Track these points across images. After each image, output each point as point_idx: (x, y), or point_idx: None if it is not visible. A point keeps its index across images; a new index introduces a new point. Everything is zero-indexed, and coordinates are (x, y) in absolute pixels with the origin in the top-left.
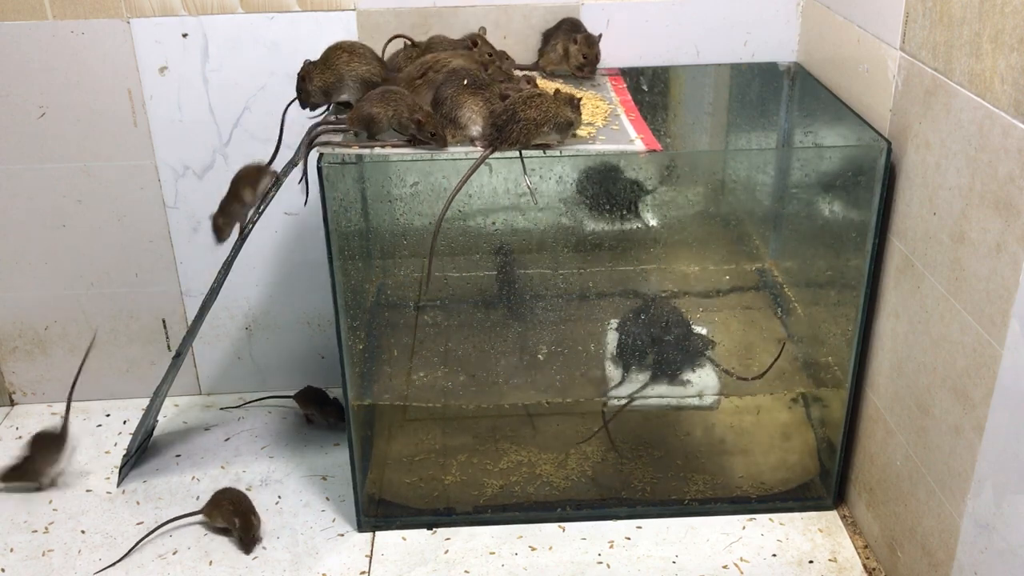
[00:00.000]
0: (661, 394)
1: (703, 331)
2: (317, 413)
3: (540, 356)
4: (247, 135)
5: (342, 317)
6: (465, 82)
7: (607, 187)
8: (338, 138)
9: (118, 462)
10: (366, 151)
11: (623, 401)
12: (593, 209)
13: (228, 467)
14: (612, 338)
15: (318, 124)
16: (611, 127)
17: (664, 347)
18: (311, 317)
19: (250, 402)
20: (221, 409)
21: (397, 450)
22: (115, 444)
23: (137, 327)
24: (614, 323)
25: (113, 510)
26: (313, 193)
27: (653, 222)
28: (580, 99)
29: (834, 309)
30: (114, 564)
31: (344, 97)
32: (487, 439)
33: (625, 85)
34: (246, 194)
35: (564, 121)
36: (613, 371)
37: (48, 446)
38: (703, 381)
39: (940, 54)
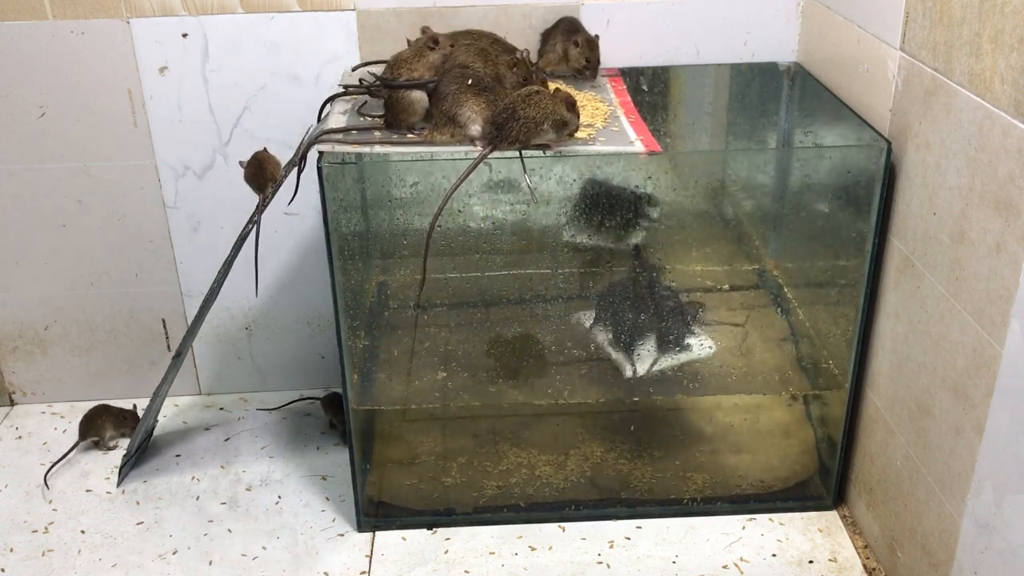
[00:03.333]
0: (669, 362)
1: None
2: (337, 420)
3: (542, 355)
4: (247, 135)
5: (342, 317)
6: (469, 82)
7: (608, 188)
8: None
9: (118, 462)
10: (366, 150)
11: (643, 376)
12: (594, 210)
13: (228, 467)
14: (611, 323)
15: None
16: (611, 129)
17: (662, 318)
18: (311, 317)
19: (289, 403)
20: (257, 410)
21: (397, 451)
22: (115, 444)
23: (137, 327)
24: (603, 303)
25: (113, 510)
26: (313, 193)
27: (653, 222)
28: (575, 100)
29: (834, 309)
30: None
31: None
32: (487, 440)
33: (625, 86)
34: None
35: (560, 119)
36: (620, 355)
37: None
38: (700, 341)
39: (940, 54)
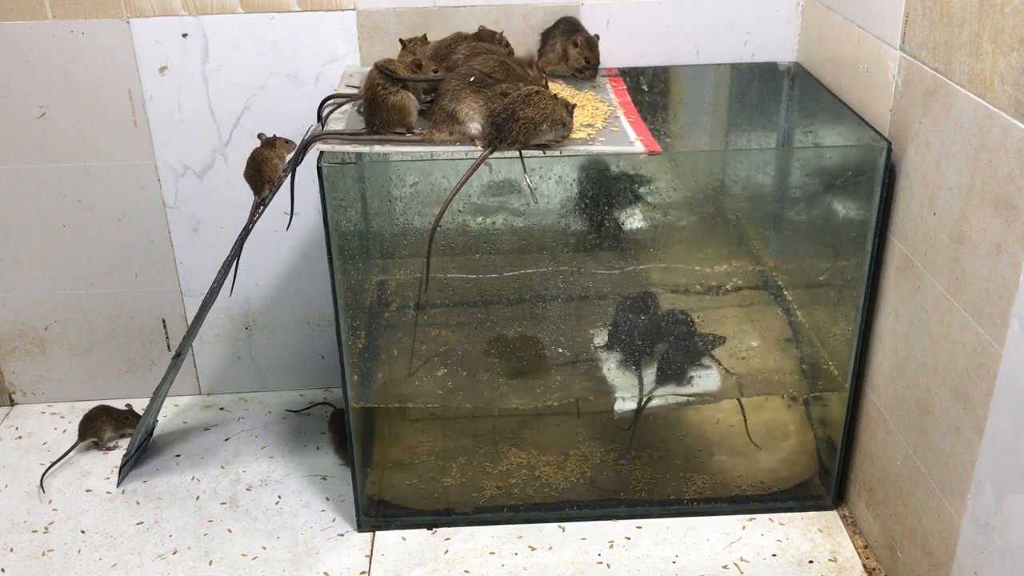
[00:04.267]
0: (675, 393)
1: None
2: (329, 440)
3: (542, 355)
4: (247, 135)
5: (342, 317)
6: (472, 79)
7: (607, 187)
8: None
9: (118, 462)
10: (365, 150)
11: (644, 400)
12: (593, 209)
13: (228, 467)
14: (621, 341)
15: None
16: (611, 129)
17: (676, 348)
18: (311, 317)
19: (311, 405)
20: (286, 411)
21: (397, 451)
22: (115, 444)
23: (137, 327)
24: (619, 325)
25: (113, 510)
26: (313, 193)
27: (653, 222)
28: (574, 105)
29: (834, 309)
30: None
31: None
32: (487, 440)
33: (625, 87)
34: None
35: (559, 119)
36: (624, 375)
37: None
38: (711, 377)
39: (940, 54)
